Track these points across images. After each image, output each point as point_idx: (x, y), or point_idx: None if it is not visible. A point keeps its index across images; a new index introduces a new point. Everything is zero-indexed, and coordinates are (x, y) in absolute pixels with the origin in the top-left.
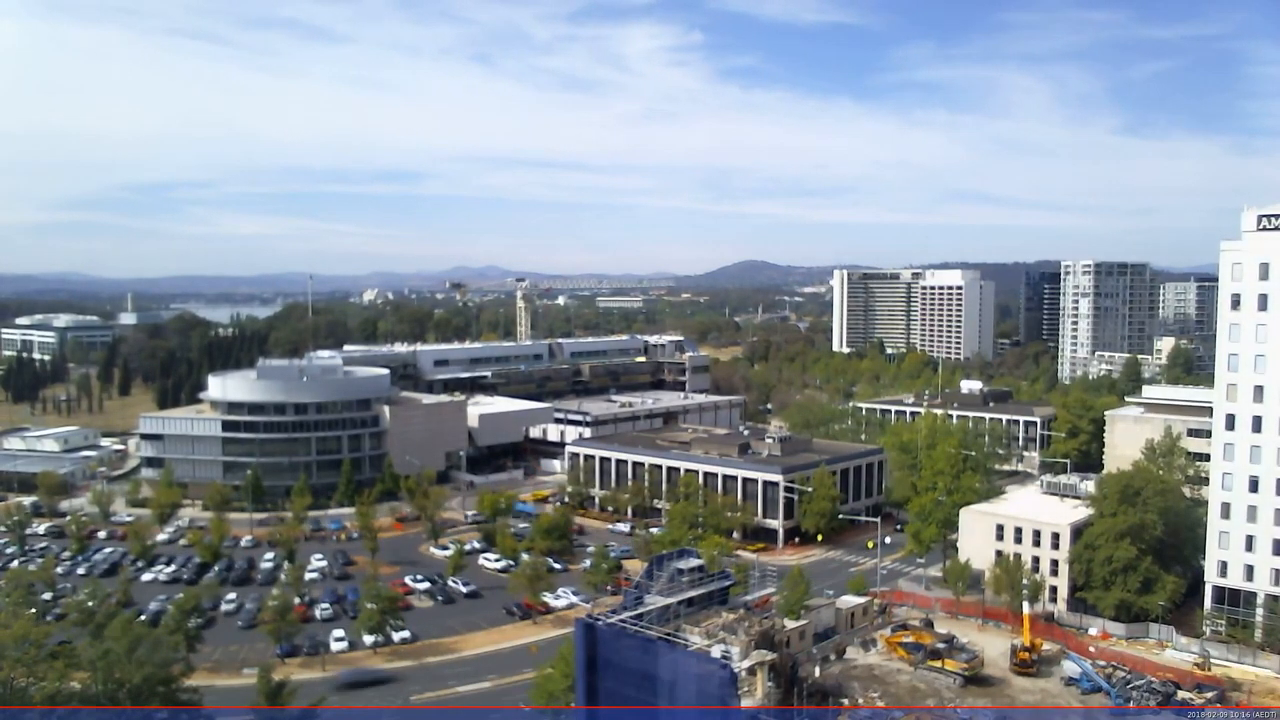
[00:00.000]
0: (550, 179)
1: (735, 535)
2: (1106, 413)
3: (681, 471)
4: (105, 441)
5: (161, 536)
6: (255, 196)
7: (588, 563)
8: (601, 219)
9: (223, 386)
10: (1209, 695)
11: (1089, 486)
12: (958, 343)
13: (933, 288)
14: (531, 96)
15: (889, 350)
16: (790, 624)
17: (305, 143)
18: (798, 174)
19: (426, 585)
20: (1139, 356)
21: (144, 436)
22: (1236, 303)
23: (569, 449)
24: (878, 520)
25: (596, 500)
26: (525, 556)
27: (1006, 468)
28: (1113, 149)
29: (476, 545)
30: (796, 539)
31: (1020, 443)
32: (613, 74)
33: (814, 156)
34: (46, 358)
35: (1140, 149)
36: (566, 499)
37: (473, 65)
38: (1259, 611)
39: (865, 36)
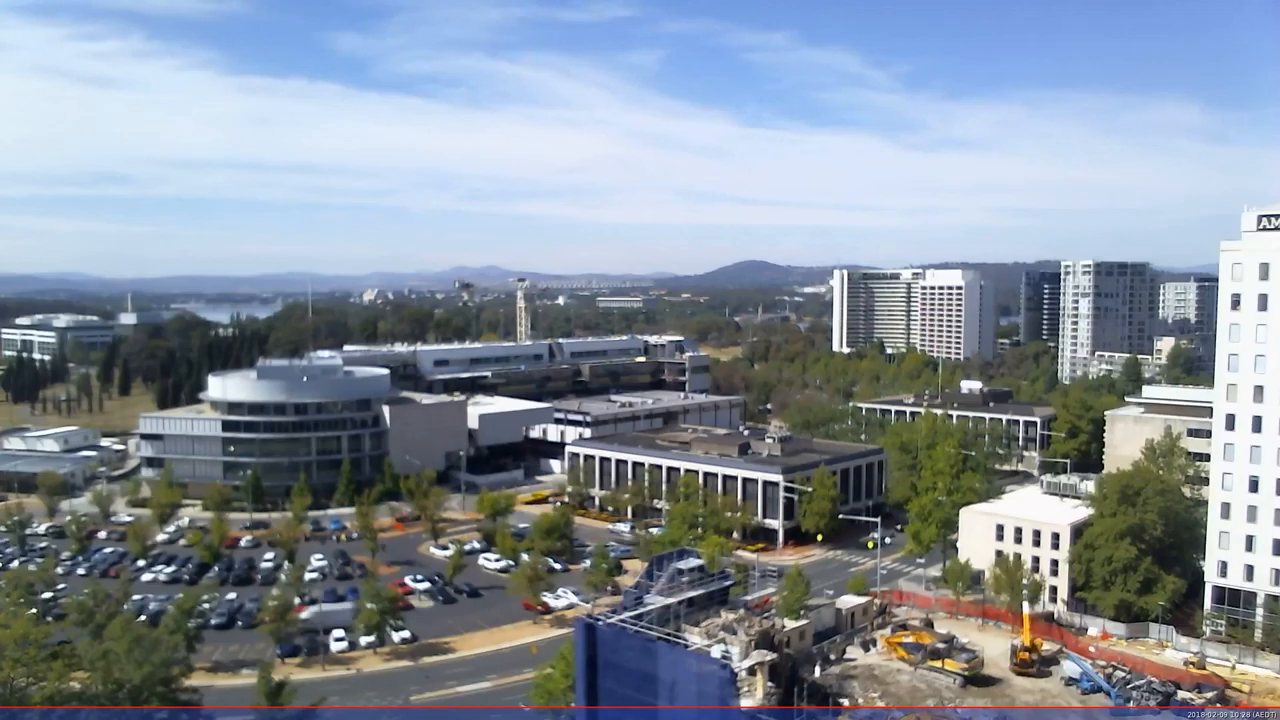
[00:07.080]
0: (264, 180)
1: (735, 535)
2: (1106, 413)
3: (681, 471)
4: (105, 441)
5: (161, 537)
6: None
7: (588, 563)
8: (387, 222)
9: (223, 386)
10: (1209, 695)
11: (1089, 486)
12: (958, 343)
13: (933, 288)
14: (79, 93)
15: (889, 350)
16: (790, 624)
17: None
18: (520, 174)
19: (426, 585)
20: (1139, 356)
21: (144, 436)
22: (1236, 303)
23: (569, 449)
24: (878, 520)
25: (596, 500)
26: (525, 557)
27: (1006, 468)
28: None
29: (476, 545)
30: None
31: (1020, 443)
32: (139, 73)
33: (492, 156)
34: (46, 358)
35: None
36: (566, 499)
37: None
38: (1259, 611)
39: (268, 27)
